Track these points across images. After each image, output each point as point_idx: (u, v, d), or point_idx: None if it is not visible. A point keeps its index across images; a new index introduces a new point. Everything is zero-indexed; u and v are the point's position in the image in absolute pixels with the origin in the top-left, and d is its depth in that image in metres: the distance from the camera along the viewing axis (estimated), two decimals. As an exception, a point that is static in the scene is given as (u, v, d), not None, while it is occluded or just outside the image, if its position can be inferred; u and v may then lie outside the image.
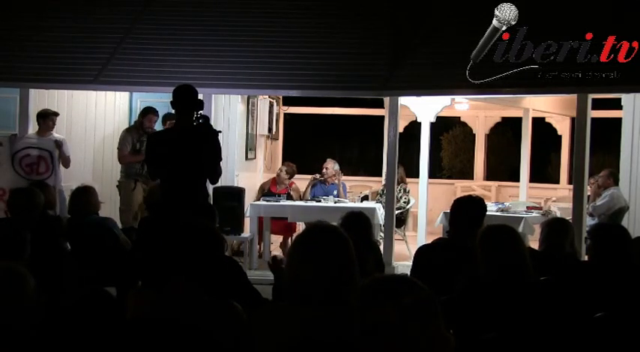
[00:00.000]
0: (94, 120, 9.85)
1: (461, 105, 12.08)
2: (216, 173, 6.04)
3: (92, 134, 9.68)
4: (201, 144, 5.89)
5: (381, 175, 10.56)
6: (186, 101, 5.91)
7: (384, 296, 1.99)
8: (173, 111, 6.25)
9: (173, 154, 5.87)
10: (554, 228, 4.84)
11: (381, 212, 8.76)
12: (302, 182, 10.56)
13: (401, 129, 11.09)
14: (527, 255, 3.61)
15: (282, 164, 10.61)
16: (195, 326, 2.70)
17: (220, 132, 6.37)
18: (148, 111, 8.69)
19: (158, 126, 8.61)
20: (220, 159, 6.02)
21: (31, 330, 2.46)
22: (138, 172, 8.54)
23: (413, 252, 5.58)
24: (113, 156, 9.07)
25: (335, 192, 9.72)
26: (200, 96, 6.03)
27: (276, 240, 10.13)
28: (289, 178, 10.04)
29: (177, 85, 6.05)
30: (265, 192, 9.90)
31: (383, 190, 10.15)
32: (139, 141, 8.53)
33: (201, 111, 5.95)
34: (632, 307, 3.37)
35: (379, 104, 11.77)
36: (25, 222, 5.10)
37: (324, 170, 10.05)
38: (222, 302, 2.83)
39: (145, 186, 8.47)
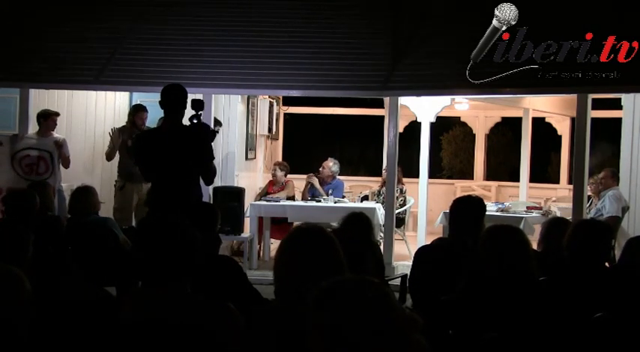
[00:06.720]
0: (94, 120, 9.85)
1: (461, 105, 12.08)
2: (209, 173, 5.95)
3: (92, 134, 9.68)
4: (190, 144, 5.82)
5: (381, 175, 10.56)
6: (175, 101, 5.83)
7: (347, 296, 1.91)
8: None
9: (161, 154, 5.81)
10: (554, 228, 4.83)
11: (381, 212, 8.75)
12: (300, 182, 10.55)
13: (401, 129, 11.09)
14: (532, 255, 3.60)
15: (274, 164, 10.55)
16: (191, 327, 2.70)
17: (217, 132, 6.28)
18: (138, 109, 8.52)
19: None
20: (213, 158, 5.92)
21: (24, 333, 2.42)
22: (132, 172, 8.45)
23: (413, 252, 5.59)
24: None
25: (330, 191, 9.65)
26: (200, 96, 5.97)
27: (277, 241, 10.12)
28: (285, 176, 10.04)
29: (165, 85, 5.97)
30: (263, 193, 9.90)
31: (379, 190, 10.15)
32: (132, 139, 8.45)
33: (201, 112, 5.88)
34: (630, 307, 3.36)
35: (379, 104, 11.77)
36: (26, 222, 5.10)
37: (321, 168, 10.04)
38: (217, 302, 2.82)
39: (138, 186, 8.37)
